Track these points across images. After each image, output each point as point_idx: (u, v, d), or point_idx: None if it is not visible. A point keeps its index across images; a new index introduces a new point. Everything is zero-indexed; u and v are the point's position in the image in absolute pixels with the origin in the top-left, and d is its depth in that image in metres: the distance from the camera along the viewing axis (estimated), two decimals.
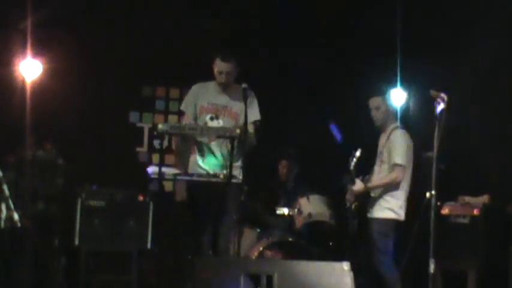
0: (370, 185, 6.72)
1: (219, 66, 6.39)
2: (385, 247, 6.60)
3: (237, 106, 6.42)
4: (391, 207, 6.66)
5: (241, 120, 6.20)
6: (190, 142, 6.53)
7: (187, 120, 6.46)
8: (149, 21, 8.47)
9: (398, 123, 6.86)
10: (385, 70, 8.15)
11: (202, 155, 6.44)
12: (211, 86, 6.53)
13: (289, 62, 8.69)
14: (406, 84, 8.20)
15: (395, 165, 6.63)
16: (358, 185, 6.70)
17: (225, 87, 6.44)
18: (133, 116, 8.97)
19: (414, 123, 8.19)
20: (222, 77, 6.38)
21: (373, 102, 6.87)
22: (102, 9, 8.34)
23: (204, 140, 6.40)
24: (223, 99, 6.47)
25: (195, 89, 6.57)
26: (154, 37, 8.45)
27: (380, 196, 6.70)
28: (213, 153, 6.39)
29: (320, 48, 8.67)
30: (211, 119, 6.45)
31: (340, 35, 8.64)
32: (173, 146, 6.74)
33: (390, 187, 6.66)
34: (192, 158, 6.53)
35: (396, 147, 6.68)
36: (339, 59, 8.57)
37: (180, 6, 8.53)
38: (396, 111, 6.98)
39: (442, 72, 7.56)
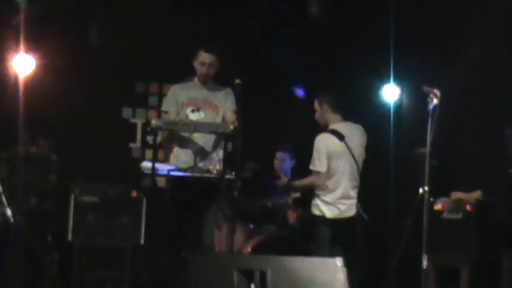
0: (294, 182, 7.13)
1: (202, 57, 6.49)
2: (315, 245, 6.87)
3: (217, 99, 6.54)
4: (316, 204, 6.87)
5: (222, 112, 6.47)
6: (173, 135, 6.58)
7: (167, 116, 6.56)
8: (143, 16, 8.46)
9: (333, 126, 6.94)
10: (378, 66, 8.16)
11: (183, 147, 6.49)
12: (190, 84, 6.65)
13: (283, 58, 8.69)
14: (399, 80, 8.22)
15: (315, 171, 6.87)
16: (283, 180, 7.18)
17: (204, 83, 6.53)
18: (126, 112, 8.96)
19: (407, 119, 8.21)
20: (204, 68, 6.49)
21: (314, 104, 7.08)
22: (95, 5, 8.33)
23: (186, 133, 6.47)
24: (202, 94, 6.57)
25: (175, 88, 6.70)
26: (148, 32, 8.44)
27: (316, 196, 6.92)
28: (194, 145, 6.43)
29: (313, 45, 8.67)
30: (193, 111, 6.54)
31: (333, 31, 8.64)
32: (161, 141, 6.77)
33: (324, 189, 6.87)
34: (173, 151, 6.58)
35: (314, 153, 6.89)
36: (332, 55, 8.56)
37: (174, 2, 8.52)
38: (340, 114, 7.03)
39: (435, 68, 7.57)
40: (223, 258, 5.49)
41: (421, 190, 5.40)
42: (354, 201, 6.87)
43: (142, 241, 7.44)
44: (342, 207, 6.83)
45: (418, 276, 5.30)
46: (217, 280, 4.96)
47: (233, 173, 6.06)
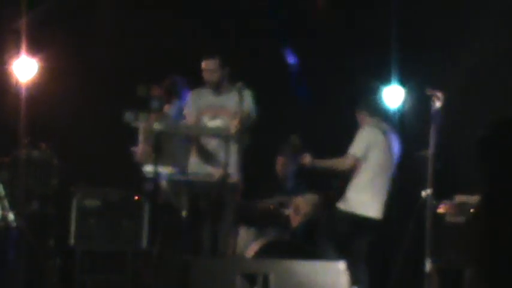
0: (317, 161, 6.94)
1: (203, 64, 6.67)
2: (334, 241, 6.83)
3: (233, 105, 6.55)
4: (350, 200, 6.82)
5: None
6: (191, 142, 6.64)
7: (188, 119, 6.59)
8: (145, 20, 8.46)
9: (374, 122, 6.96)
10: (381, 68, 8.14)
11: (202, 157, 6.53)
12: (206, 90, 6.74)
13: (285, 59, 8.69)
14: (402, 82, 8.19)
15: (348, 153, 6.82)
16: (306, 158, 6.95)
17: (218, 89, 6.60)
18: (128, 115, 8.93)
19: (410, 121, 8.18)
20: (206, 74, 6.65)
21: None
22: (97, 8, 8.33)
23: (204, 143, 6.52)
24: (219, 101, 6.69)
25: (194, 94, 6.81)
26: (150, 36, 8.43)
27: (347, 189, 6.86)
28: (213, 155, 6.47)
29: (317, 46, 8.66)
30: (210, 120, 6.56)
31: (335, 32, 8.62)
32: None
33: (358, 183, 6.79)
34: (191, 159, 6.61)
35: (355, 139, 6.87)
36: (335, 56, 8.55)
37: (176, 6, 8.52)
38: (382, 113, 7.04)
39: (438, 70, 7.56)
40: (226, 262, 5.48)
41: (424, 193, 5.39)
42: (383, 205, 6.86)
43: (144, 245, 7.42)
44: (376, 207, 6.82)
45: (421, 279, 5.28)
46: (220, 284, 4.95)
47: (237, 176, 6.05)
